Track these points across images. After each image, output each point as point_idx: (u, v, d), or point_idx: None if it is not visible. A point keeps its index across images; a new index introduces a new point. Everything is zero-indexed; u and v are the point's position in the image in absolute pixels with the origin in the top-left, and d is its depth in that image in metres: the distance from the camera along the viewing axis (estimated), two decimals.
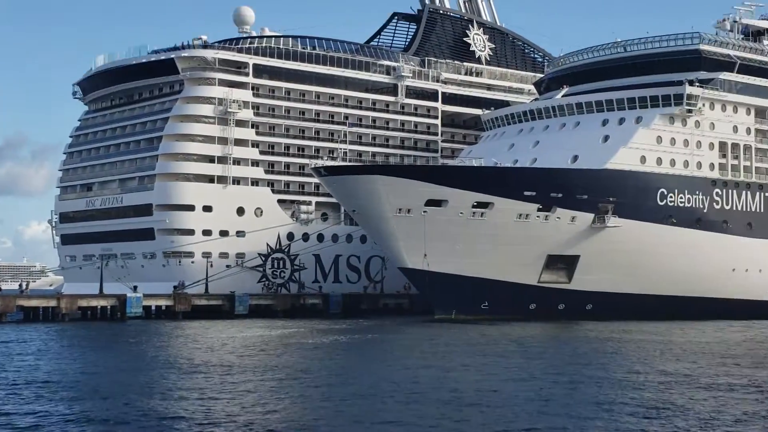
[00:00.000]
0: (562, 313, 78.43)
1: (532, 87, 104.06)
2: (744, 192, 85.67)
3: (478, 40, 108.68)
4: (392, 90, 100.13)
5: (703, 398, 32.97)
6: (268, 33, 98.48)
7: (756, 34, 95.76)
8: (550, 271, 79.00)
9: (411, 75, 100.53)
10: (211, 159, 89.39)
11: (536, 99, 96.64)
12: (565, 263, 78.96)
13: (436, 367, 42.25)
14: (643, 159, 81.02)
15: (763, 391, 34.96)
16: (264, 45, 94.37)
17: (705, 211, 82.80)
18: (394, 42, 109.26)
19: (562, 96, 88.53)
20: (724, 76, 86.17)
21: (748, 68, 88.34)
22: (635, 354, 48.90)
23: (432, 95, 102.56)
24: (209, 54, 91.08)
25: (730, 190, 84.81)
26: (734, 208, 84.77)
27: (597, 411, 30.23)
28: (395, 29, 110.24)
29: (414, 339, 60.61)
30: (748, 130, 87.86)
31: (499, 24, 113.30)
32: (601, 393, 34.03)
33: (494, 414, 29.81)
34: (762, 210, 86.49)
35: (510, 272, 77.16)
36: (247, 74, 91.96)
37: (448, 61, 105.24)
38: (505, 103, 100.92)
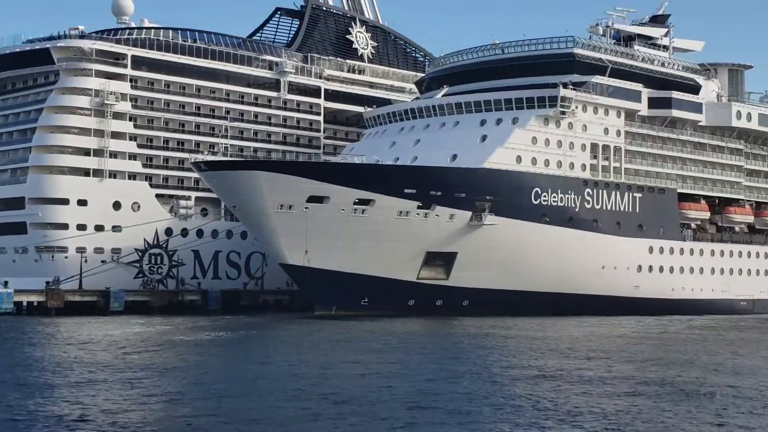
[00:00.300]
0: (440, 309, 79.84)
1: (413, 86, 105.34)
2: (613, 192, 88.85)
3: (361, 38, 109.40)
4: (274, 85, 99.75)
5: (580, 392, 34.23)
6: (147, 24, 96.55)
7: (627, 39, 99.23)
8: (428, 268, 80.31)
9: (294, 71, 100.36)
10: (86, 152, 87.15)
11: (417, 98, 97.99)
12: (443, 260, 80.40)
13: (317, 363, 42.56)
14: (518, 159, 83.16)
15: (634, 384, 36.54)
16: (143, 36, 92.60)
17: (577, 210, 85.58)
18: (276, 37, 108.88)
19: (442, 96, 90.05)
20: (597, 79, 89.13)
21: (619, 72, 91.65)
22: (512, 349, 50.32)
23: (315, 92, 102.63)
24: (86, 44, 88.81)
25: (600, 190, 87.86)
26: (604, 208, 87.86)
27: (477, 405, 31.08)
28: (278, 24, 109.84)
29: (294, 335, 60.80)
30: (618, 132, 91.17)
31: (381, 22, 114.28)
32: (480, 387, 34.97)
33: (375, 409, 30.30)
34: (630, 210, 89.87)
35: (390, 269, 78.10)
36: (125, 66, 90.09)
37: (330, 57, 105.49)
38: (387, 101, 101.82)
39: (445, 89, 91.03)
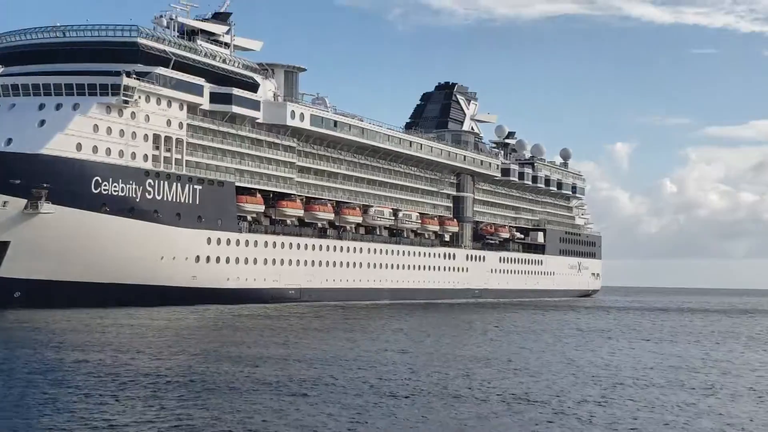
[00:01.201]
0: None
1: None
2: (175, 183, 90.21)
3: None
4: None
5: (142, 387, 34.73)
6: None
7: (191, 34, 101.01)
8: None
9: None
10: None
11: None
12: None
13: None
14: (79, 146, 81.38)
15: (191, 376, 37.83)
16: None
17: (138, 200, 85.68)
18: None
19: None
20: (160, 71, 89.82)
21: (182, 65, 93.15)
22: (64, 343, 49.42)
23: None
24: None
25: (162, 181, 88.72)
26: (165, 199, 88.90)
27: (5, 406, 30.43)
28: None
29: None
30: (181, 125, 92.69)
31: None
32: (16, 388, 34.18)
33: None
34: (190, 201, 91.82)
35: None
36: None
37: None
38: None
39: (1, 69, 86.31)
